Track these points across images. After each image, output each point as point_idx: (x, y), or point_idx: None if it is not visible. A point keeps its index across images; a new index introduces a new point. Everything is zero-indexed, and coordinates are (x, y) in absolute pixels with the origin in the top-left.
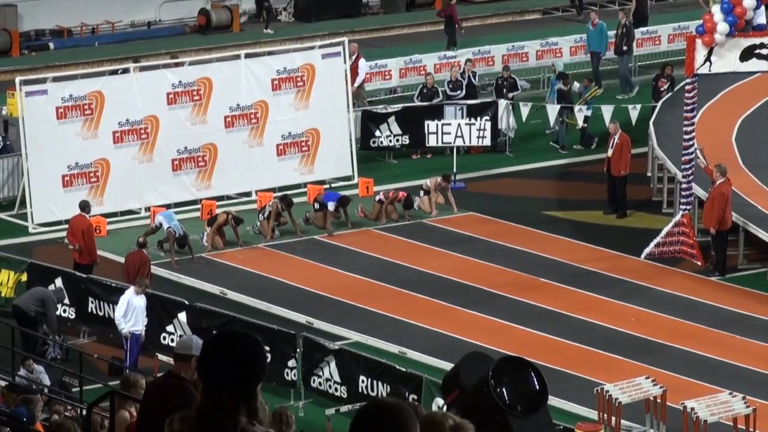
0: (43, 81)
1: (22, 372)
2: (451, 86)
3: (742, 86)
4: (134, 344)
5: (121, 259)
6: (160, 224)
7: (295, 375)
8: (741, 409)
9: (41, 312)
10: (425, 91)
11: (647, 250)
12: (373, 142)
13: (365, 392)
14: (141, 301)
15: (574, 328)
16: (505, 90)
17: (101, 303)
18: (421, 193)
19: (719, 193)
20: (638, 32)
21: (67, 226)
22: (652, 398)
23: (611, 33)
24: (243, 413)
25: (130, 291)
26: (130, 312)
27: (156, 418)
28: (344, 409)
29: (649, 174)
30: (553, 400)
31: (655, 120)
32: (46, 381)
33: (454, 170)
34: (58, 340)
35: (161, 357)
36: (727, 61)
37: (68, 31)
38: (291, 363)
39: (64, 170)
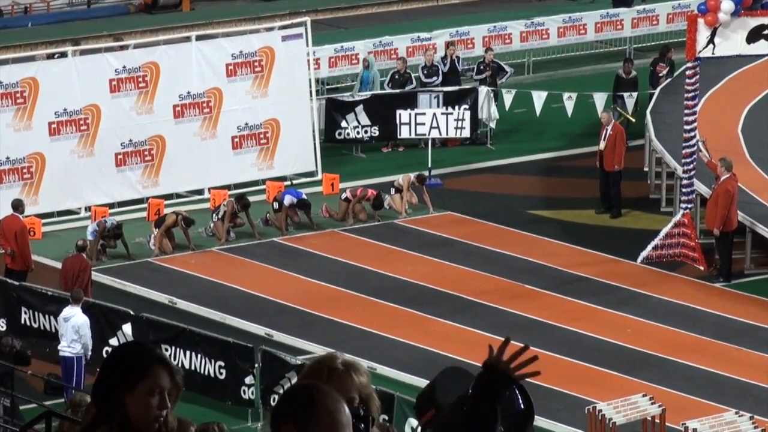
0: None
1: None
2: (426, 72)
3: (749, 71)
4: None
5: (58, 265)
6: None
7: (252, 393)
8: (749, 431)
9: None
10: (397, 77)
11: (644, 254)
12: (339, 134)
13: None
14: (76, 318)
15: (563, 340)
16: (488, 77)
17: (36, 314)
18: (392, 191)
19: (724, 190)
20: (633, 11)
21: None
22: (649, 418)
23: None
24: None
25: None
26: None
27: None
28: None
29: (646, 169)
30: (541, 421)
31: (653, 109)
32: None
33: (429, 165)
34: None
35: None
36: (732, 43)
37: None
38: (248, 380)
39: None
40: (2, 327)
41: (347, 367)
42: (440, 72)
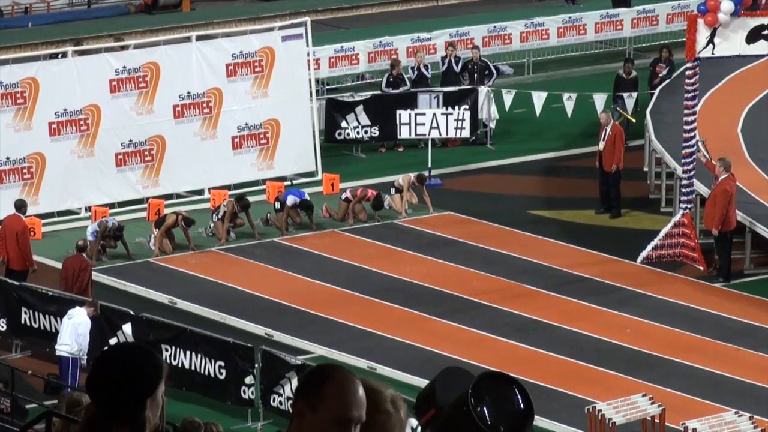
0: None
1: None
2: (416, 75)
3: (748, 71)
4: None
5: (59, 265)
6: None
7: (252, 393)
8: (749, 431)
9: None
10: (391, 79)
11: (644, 254)
12: (339, 134)
13: None
14: (79, 318)
15: (563, 340)
16: (476, 75)
17: (36, 314)
18: (392, 191)
19: (723, 190)
20: (633, 11)
21: None
22: (649, 418)
23: None
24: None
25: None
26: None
27: None
28: None
29: (645, 169)
30: (540, 421)
31: (653, 109)
32: None
33: (429, 165)
34: None
35: None
36: (732, 43)
37: None
38: (248, 380)
39: None
40: (3, 327)
41: (396, 407)
42: (427, 76)
